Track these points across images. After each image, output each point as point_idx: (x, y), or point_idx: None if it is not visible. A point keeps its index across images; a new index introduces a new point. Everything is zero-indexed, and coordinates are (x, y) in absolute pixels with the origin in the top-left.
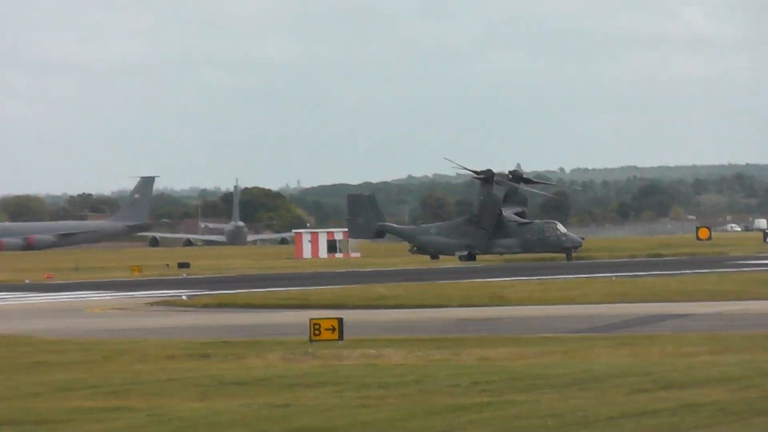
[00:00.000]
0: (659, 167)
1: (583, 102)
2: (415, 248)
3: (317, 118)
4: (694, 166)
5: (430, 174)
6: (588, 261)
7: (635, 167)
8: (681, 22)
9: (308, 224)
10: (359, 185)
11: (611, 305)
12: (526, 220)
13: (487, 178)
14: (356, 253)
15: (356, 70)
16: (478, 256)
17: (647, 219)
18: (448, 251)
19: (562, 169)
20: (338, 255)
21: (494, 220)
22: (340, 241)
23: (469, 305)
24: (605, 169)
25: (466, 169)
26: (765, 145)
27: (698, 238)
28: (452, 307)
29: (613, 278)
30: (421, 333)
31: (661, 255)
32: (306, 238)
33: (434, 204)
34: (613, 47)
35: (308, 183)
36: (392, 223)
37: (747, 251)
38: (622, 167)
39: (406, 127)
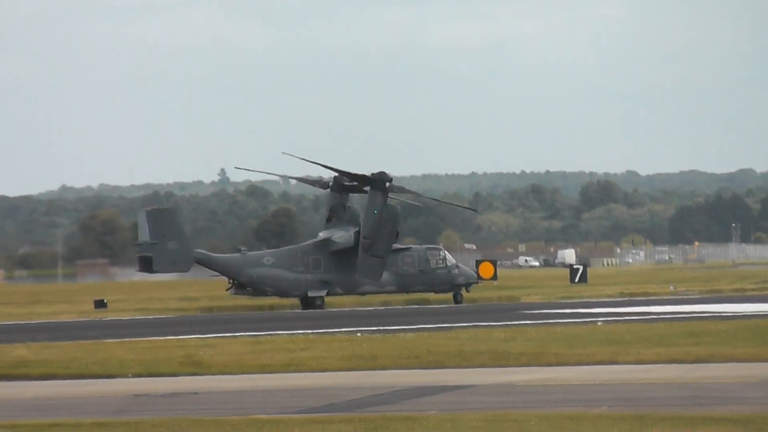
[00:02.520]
0: (424, 176)
1: (304, 75)
2: (232, 286)
3: None
4: (473, 175)
5: (94, 184)
6: (322, 311)
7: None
8: None
9: None
10: None
11: (355, 373)
12: (400, 246)
13: (380, 184)
14: None
15: None
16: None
17: None
18: (295, 290)
19: (285, 178)
20: None
21: (392, 244)
22: None
23: (151, 374)
24: None
25: (340, 171)
26: (572, 146)
27: (479, 277)
28: (127, 377)
29: (358, 334)
30: (79, 415)
31: (427, 302)
32: None
33: (100, 228)
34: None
35: None
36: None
37: (547, 296)
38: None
39: (58, 114)
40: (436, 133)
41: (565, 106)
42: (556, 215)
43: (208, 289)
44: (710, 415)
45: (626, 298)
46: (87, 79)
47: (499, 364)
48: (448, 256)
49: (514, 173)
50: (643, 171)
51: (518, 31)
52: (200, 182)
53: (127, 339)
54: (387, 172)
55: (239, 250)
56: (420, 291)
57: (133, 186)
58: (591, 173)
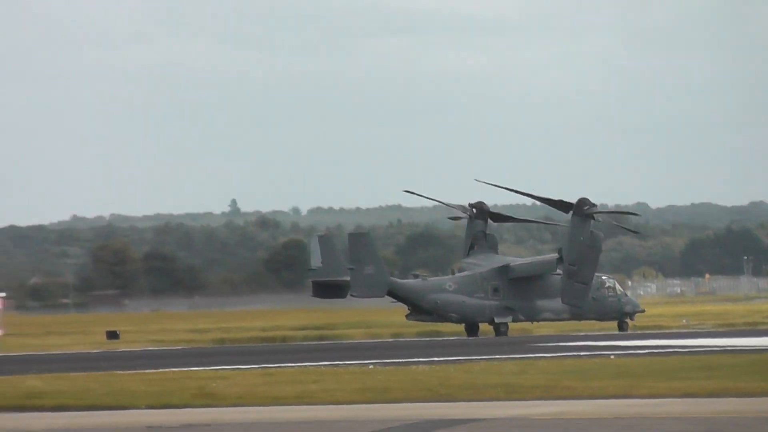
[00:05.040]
0: (435, 207)
1: (308, 104)
2: (410, 311)
3: None
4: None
5: (106, 214)
6: (334, 343)
7: (400, 206)
8: None
9: None
10: (2, 229)
11: (366, 406)
12: None
13: (587, 210)
14: None
15: None
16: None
17: None
18: (479, 316)
19: (296, 210)
20: None
21: (594, 271)
22: None
23: (164, 406)
24: (357, 210)
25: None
26: (583, 177)
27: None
28: (140, 408)
29: (371, 366)
30: None
31: (439, 333)
32: None
33: (111, 258)
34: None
35: None
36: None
37: (560, 328)
38: (382, 207)
39: (69, 144)
40: (444, 162)
41: (573, 136)
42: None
43: (218, 320)
44: None
45: (639, 331)
46: (98, 108)
47: (511, 397)
48: (617, 285)
49: (525, 204)
50: (654, 203)
51: (519, 60)
52: (210, 213)
53: (139, 370)
54: (588, 198)
55: (416, 276)
56: (592, 319)
57: (144, 216)
58: (602, 205)
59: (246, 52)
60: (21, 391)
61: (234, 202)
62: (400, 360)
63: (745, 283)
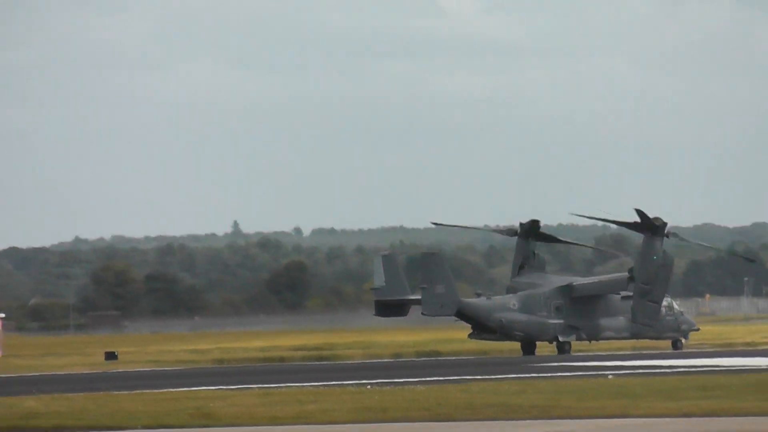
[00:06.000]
0: (438, 229)
1: (311, 127)
2: (474, 331)
3: None
4: (485, 228)
5: (107, 236)
6: (332, 363)
7: (402, 228)
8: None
9: None
10: (3, 251)
11: (364, 425)
12: (629, 293)
13: (657, 230)
14: None
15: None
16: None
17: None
18: (544, 334)
19: (298, 230)
20: None
21: (666, 290)
22: None
23: (161, 426)
24: (360, 231)
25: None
26: (580, 198)
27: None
28: (137, 429)
29: (368, 387)
30: None
31: (438, 353)
32: None
33: (113, 279)
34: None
35: None
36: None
37: (553, 349)
38: (384, 228)
39: (71, 166)
40: (445, 184)
41: (572, 158)
42: (569, 268)
43: (218, 341)
44: None
45: (637, 351)
46: (99, 131)
47: (509, 417)
48: (675, 303)
49: (576, 225)
50: None
51: (524, 81)
52: (213, 234)
53: (137, 391)
54: (661, 217)
55: (479, 295)
56: (649, 337)
57: (146, 238)
58: (604, 226)
59: (246, 73)
60: (19, 412)
61: (236, 223)
62: (399, 380)
63: (746, 304)
